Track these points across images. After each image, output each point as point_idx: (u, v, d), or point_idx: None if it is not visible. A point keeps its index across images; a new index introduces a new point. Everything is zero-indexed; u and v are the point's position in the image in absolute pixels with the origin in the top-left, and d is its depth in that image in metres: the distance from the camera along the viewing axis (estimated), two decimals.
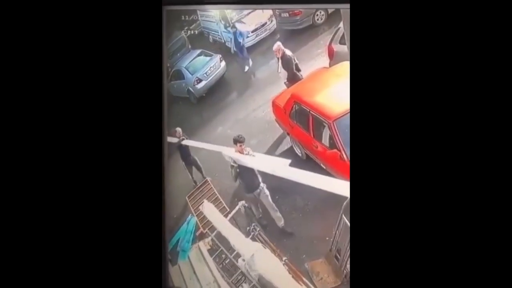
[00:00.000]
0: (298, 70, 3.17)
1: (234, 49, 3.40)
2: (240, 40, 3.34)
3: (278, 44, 3.20)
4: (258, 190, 2.93)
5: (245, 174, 2.97)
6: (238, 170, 2.97)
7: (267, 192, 2.93)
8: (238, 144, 2.97)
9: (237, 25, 3.50)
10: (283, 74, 3.22)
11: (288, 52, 3.18)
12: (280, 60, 3.20)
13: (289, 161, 2.93)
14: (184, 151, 3.22)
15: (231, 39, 3.41)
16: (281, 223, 2.81)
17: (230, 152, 3.03)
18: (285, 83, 3.27)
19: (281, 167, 2.93)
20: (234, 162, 2.96)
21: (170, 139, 3.03)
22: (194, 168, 3.27)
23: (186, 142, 3.22)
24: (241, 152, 2.99)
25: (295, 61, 3.17)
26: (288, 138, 3.27)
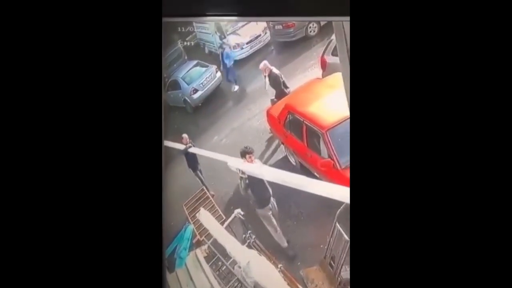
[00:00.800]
0: (286, 87, 3.18)
1: (221, 69, 3.45)
2: (227, 61, 3.38)
3: (264, 63, 3.25)
4: (270, 205, 2.87)
5: (255, 187, 2.92)
6: (247, 181, 2.94)
7: (277, 208, 2.91)
8: (247, 156, 2.94)
9: (232, 37, 3.57)
10: (271, 91, 3.26)
11: (275, 70, 3.21)
12: (267, 78, 3.22)
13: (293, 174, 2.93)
14: (191, 158, 3.24)
15: (219, 58, 3.45)
16: (284, 244, 2.80)
17: (237, 163, 2.99)
18: (272, 100, 3.30)
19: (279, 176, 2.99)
20: (243, 173, 2.94)
21: (173, 145, 3.06)
22: (199, 174, 3.31)
23: (193, 149, 3.25)
24: (250, 162, 2.95)
25: (282, 78, 3.21)
26: (282, 147, 3.35)
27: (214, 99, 3.73)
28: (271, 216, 2.87)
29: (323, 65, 3.23)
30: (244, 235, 2.83)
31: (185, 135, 3.18)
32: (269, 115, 3.35)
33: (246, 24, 3.43)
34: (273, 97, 3.29)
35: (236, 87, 3.39)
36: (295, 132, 3.04)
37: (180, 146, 3.16)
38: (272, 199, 2.89)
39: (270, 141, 3.31)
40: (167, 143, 3.06)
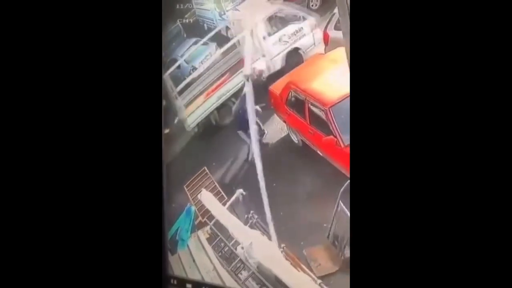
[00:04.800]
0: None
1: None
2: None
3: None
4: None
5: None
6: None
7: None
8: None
9: (232, 13, 3.48)
10: None
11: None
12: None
13: None
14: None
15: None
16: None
17: None
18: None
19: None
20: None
21: None
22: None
23: None
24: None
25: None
26: (284, 126, 3.28)
27: None
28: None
29: (326, 39, 3.14)
30: (246, 216, 2.79)
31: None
32: (271, 93, 3.26)
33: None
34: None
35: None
36: (297, 109, 2.97)
37: None
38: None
39: (273, 119, 3.26)
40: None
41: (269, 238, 2.70)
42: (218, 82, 3.34)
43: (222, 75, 3.33)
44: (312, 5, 3.13)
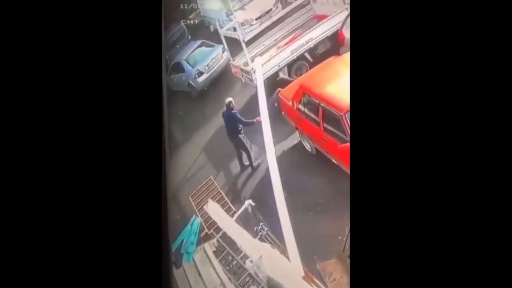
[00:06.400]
0: None
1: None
2: None
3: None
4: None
5: None
6: None
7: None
8: None
9: (240, 13, 3.37)
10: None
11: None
12: None
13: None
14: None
15: None
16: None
17: None
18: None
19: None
20: None
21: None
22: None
23: None
24: None
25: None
26: (296, 132, 3.16)
27: (221, 82, 3.57)
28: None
29: (341, 40, 3.05)
30: (256, 228, 2.66)
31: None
32: (281, 97, 3.21)
33: None
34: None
35: None
36: (310, 115, 2.86)
37: None
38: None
39: (283, 125, 3.13)
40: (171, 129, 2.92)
41: (280, 251, 2.56)
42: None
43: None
44: None
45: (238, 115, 3.07)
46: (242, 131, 3.08)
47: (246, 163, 3.15)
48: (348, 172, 2.73)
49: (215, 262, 2.69)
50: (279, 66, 3.31)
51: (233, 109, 3.09)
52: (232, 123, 3.09)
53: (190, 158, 3.09)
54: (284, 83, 3.24)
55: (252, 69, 3.22)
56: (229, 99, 3.20)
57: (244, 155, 3.15)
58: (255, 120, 3.00)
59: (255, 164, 3.13)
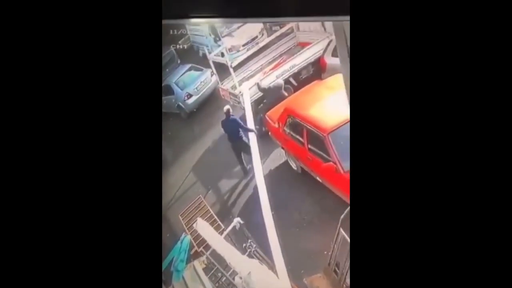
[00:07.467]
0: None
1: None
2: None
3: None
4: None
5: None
6: None
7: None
8: None
9: (227, 39, 3.46)
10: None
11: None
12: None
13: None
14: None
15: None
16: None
17: None
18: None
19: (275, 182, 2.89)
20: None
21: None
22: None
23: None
24: None
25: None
26: (283, 152, 3.22)
27: (210, 104, 3.63)
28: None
29: (323, 66, 3.15)
30: (244, 244, 2.69)
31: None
32: (267, 119, 3.30)
33: (242, 25, 3.36)
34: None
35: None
36: (295, 136, 2.94)
37: None
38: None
39: (269, 145, 3.20)
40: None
41: (268, 267, 2.63)
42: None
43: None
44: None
45: (238, 119, 3.18)
46: (243, 137, 3.11)
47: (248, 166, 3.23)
48: (332, 189, 2.84)
49: (205, 279, 2.71)
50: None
51: (232, 115, 3.17)
52: (233, 128, 3.18)
53: (180, 178, 3.11)
54: (269, 106, 3.29)
55: (240, 92, 3.30)
56: (227, 107, 3.32)
57: (244, 157, 3.24)
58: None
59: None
